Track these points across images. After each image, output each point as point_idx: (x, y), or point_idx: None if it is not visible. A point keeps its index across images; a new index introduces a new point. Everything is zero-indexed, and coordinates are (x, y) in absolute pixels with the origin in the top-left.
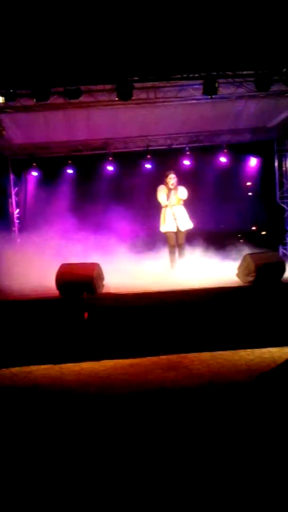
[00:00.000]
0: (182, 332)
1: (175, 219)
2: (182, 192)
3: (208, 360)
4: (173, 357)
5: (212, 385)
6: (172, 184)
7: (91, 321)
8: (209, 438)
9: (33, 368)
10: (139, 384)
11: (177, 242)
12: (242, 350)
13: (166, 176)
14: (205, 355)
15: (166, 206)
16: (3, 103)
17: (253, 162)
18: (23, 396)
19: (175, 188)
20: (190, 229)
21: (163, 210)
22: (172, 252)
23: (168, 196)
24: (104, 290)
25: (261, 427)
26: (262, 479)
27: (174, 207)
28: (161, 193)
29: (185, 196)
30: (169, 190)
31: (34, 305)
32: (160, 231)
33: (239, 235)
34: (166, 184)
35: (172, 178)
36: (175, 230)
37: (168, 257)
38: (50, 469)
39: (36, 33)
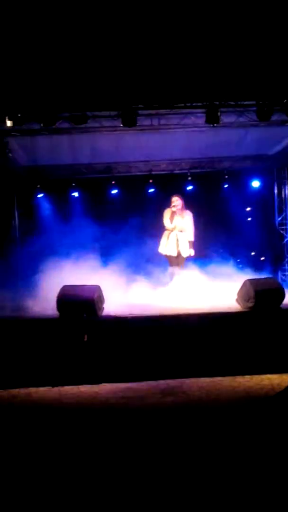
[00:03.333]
0: (181, 357)
1: (177, 244)
2: (189, 234)
3: (206, 386)
4: (171, 382)
5: (210, 411)
6: (174, 206)
7: (91, 344)
8: (204, 460)
9: (32, 390)
10: (137, 408)
11: (176, 265)
12: (241, 377)
13: (171, 199)
14: (204, 381)
15: (170, 229)
16: (10, 126)
17: (253, 188)
18: (22, 417)
19: (180, 213)
20: (190, 256)
21: (166, 233)
22: (172, 272)
23: (171, 220)
24: (104, 312)
25: (257, 454)
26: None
27: (178, 233)
28: (165, 216)
29: (191, 238)
30: (173, 213)
31: (34, 325)
32: (159, 252)
33: (238, 260)
34: (171, 207)
35: (175, 201)
36: (175, 255)
37: (169, 277)
38: (48, 484)
39: (44, 60)
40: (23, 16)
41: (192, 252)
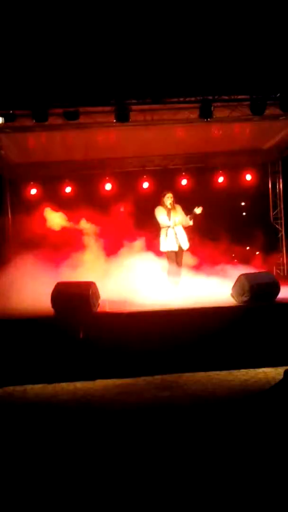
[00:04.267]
0: (177, 352)
1: (177, 238)
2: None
3: (203, 380)
4: (167, 377)
5: (207, 406)
6: (170, 204)
7: (86, 340)
8: (202, 455)
9: (27, 387)
10: (133, 404)
11: (176, 261)
12: (236, 370)
13: (163, 196)
14: (200, 375)
15: (169, 226)
16: (2, 123)
17: (247, 183)
18: (18, 414)
19: (173, 208)
20: (187, 249)
21: (163, 230)
22: (172, 271)
23: (169, 217)
24: (100, 309)
25: (255, 446)
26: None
27: (176, 227)
28: (162, 214)
29: (184, 219)
30: (168, 210)
31: (29, 324)
32: (160, 251)
33: (233, 255)
34: (163, 204)
35: (169, 198)
36: (176, 249)
37: (168, 276)
38: (46, 481)
39: (36, 56)
40: (16, 14)
41: (188, 245)
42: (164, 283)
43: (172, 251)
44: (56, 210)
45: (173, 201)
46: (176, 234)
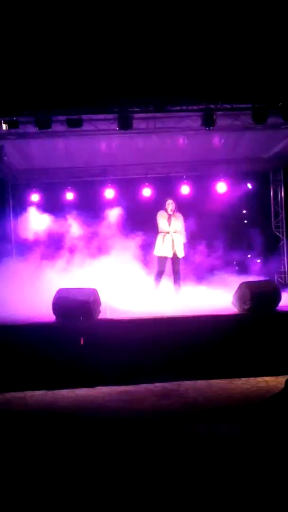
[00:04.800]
0: (178, 360)
1: (173, 245)
2: (181, 226)
3: (203, 389)
4: (168, 385)
5: (207, 414)
6: (171, 210)
7: (87, 347)
8: (201, 464)
9: (27, 393)
10: (133, 412)
11: (173, 269)
12: (237, 379)
13: (165, 202)
14: (201, 384)
15: (168, 232)
16: (5, 130)
17: (249, 191)
18: (17, 421)
19: (174, 215)
20: (183, 257)
21: (161, 235)
22: (159, 277)
23: (169, 223)
24: (101, 315)
25: (256, 455)
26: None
27: (174, 234)
28: (163, 219)
29: (182, 230)
30: (169, 216)
31: (29, 330)
32: (154, 254)
33: (234, 263)
34: (165, 210)
35: (170, 204)
36: (170, 256)
37: (154, 280)
38: (45, 488)
39: (40, 64)
40: (19, 19)
41: (183, 254)
42: (162, 291)
43: (165, 257)
44: (58, 216)
45: (174, 208)
46: (173, 241)
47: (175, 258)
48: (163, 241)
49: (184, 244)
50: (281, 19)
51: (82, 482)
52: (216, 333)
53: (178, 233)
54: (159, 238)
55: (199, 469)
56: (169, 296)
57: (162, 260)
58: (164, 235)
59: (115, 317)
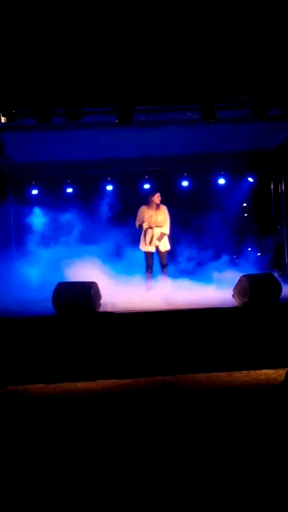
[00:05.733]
0: (178, 353)
1: (154, 239)
2: (165, 228)
3: (204, 381)
4: (169, 378)
5: (208, 407)
6: (156, 204)
7: (87, 340)
8: (203, 456)
9: (28, 386)
10: (134, 404)
11: (160, 263)
12: (238, 372)
13: (153, 195)
14: (201, 376)
15: (150, 227)
16: (4, 123)
17: (249, 184)
18: (18, 414)
19: (159, 208)
20: (168, 250)
21: (143, 230)
22: (148, 271)
23: (150, 217)
24: (101, 309)
25: (257, 447)
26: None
27: (156, 228)
28: (139, 214)
29: (167, 231)
30: (148, 210)
31: (30, 323)
32: (140, 249)
33: (234, 256)
34: (150, 203)
35: (159, 197)
36: (153, 250)
37: (145, 275)
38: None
39: (39, 56)
40: (18, 13)
41: (168, 247)
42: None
43: (149, 252)
44: (57, 209)
45: (159, 202)
46: (153, 235)
47: (159, 252)
48: (144, 236)
49: (168, 237)
50: (282, 12)
51: (83, 474)
52: (217, 326)
53: (161, 226)
54: (142, 233)
55: (200, 463)
56: (157, 290)
57: (147, 255)
58: (145, 230)
59: (115, 310)
